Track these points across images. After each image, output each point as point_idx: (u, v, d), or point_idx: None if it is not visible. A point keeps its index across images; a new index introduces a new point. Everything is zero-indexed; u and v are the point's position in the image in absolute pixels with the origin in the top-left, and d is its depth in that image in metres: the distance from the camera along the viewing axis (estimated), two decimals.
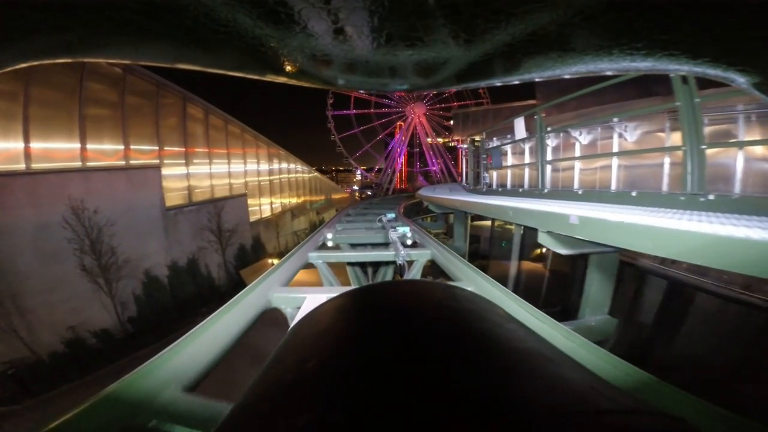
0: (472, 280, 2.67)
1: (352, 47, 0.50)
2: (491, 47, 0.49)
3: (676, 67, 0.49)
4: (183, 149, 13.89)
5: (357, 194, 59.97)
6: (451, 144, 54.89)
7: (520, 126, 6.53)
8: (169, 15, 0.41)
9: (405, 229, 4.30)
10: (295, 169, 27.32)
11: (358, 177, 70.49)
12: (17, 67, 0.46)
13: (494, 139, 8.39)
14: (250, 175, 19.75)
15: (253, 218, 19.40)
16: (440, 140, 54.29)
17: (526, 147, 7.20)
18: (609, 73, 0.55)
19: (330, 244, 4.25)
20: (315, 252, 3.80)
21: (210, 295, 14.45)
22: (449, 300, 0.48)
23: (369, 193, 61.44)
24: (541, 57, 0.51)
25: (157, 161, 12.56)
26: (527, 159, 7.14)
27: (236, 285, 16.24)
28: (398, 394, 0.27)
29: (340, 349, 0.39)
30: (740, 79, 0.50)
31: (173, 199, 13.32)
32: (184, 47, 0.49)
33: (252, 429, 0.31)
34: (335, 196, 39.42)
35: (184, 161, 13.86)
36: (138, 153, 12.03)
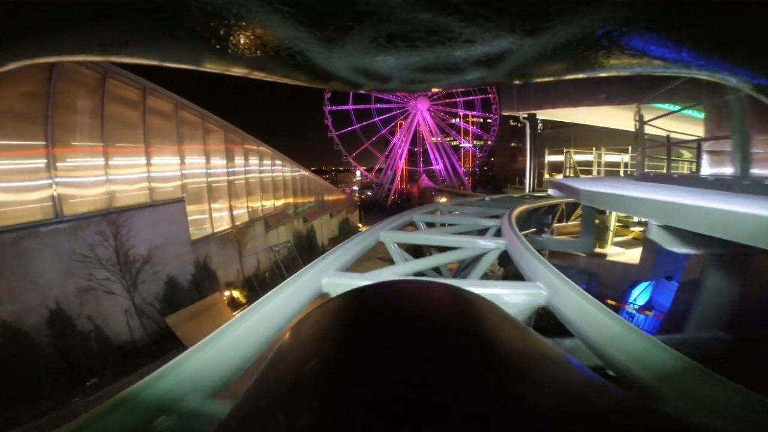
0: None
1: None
2: (495, 49, 0.51)
3: (677, 69, 0.50)
4: (43, 140, 8.50)
5: (357, 195, 55.26)
6: (454, 143, 51.68)
7: None
8: (171, 14, 0.41)
9: None
10: (271, 166, 21.82)
11: (358, 177, 67.03)
12: (17, 66, 0.45)
13: None
14: (193, 177, 14.39)
15: (198, 234, 14.06)
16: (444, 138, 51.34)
17: None
18: (608, 74, 0.58)
19: None
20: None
21: (101, 362, 9.18)
22: (449, 300, 0.50)
23: (369, 193, 57.50)
24: (546, 62, 0.52)
25: None
26: None
27: (161, 339, 10.85)
28: (398, 395, 0.28)
29: (340, 349, 0.39)
30: (742, 81, 0.51)
31: (17, 215, 8.02)
32: (193, 47, 0.48)
33: (251, 429, 0.31)
34: (328, 198, 33.80)
35: (44, 154, 8.52)
36: None
